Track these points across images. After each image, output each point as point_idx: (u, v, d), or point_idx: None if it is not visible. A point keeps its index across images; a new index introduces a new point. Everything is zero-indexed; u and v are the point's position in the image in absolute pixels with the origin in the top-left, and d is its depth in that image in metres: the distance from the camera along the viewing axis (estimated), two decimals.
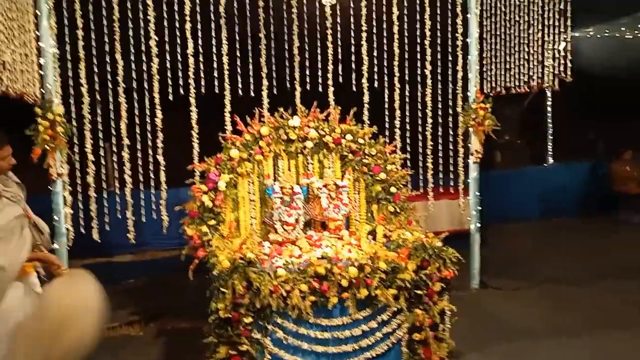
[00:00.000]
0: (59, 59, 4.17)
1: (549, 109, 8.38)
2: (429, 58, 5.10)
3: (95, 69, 4.31)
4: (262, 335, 3.02)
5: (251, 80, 4.77)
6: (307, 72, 4.93)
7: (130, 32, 4.37)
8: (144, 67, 4.41)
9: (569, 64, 4.78)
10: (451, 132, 5.39)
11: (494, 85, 5.33)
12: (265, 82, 4.73)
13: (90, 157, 4.33)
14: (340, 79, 5.00)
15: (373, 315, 3.19)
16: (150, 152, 4.43)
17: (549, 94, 8.23)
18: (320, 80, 4.94)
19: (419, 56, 5.12)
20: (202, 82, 4.55)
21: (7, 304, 2.62)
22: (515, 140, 9.62)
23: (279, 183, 3.84)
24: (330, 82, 4.91)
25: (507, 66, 5.26)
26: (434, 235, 3.49)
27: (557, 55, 4.83)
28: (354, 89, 5.00)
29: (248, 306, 2.95)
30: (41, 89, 4.04)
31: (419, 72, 5.18)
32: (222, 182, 3.77)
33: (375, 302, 3.17)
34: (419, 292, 3.20)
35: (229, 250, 3.19)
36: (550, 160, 8.75)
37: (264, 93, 4.74)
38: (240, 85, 4.77)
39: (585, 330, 4.20)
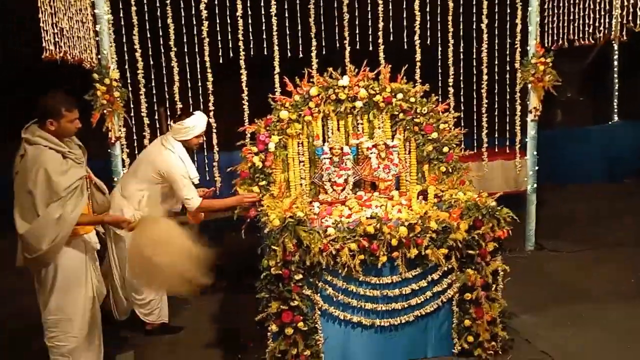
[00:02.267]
0: (113, 24, 4.27)
1: (615, 62, 7.81)
2: (484, 11, 4.85)
3: (147, 34, 4.39)
4: (312, 291, 3.08)
5: (300, 41, 4.73)
6: (357, 31, 4.82)
7: None
8: (194, 31, 4.45)
9: (638, 12, 4.41)
10: (508, 90, 5.17)
11: (555, 38, 5.02)
12: (314, 42, 4.68)
13: (146, 120, 4.47)
14: (391, 37, 4.87)
15: (423, 274, 3.18)
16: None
17: (615, 46, 7.65)
18: (370, 38, 4.82)
19: (474, 9, 4.88)
20: (251, 44, 4.56)
21: (68, 259, 2.82)
22: (578, 97, 9.10)
23: (329, 144, 3.83)
24: (380, 40, 4.79)
25: (571, 17, 4.92)
26: (487, 195, 3.40)
27: (626, 3, 4.46)
28: (405, 46, 4.86)
29: (298, 263, 3.01)
30: (97, 55, 4.17)
31: (474, 26, 4.95)
32: (272, 143, 3.80)
33: (425, 261, 3.15)
34: (471, 252, 3.16)
35: (280, 209, 3.25)
36: (616, 118, 8.22)
37: (313, 53, 4.69)
38: (289, 46, 4.74)
39: None
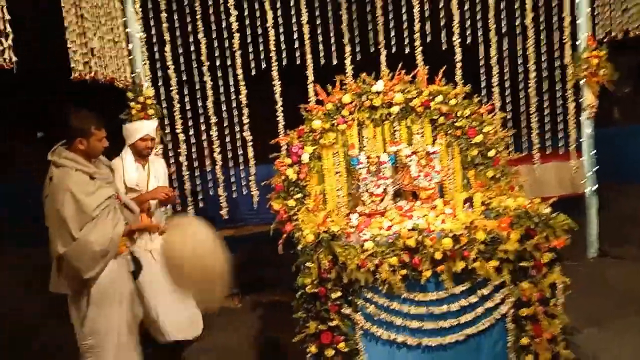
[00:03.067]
0: (146, 42, 4.27)
1: None
2: (529, 3, 4.56)
3: (180, 50, 4.38)
4: (352, 310, 2.88)
5: (333, 47, 4.59)
6: (392, 34, 4.64)
7: (210, 10, 4.36)
8: (226, 45, 4.40)
9: None
10: (559, 87, 4.84)
11: (608, 29, 4.66)
12: (348, 48, 4.53)
13: (181, 136, 4.44)
14: (428, 38, 4.66)
15: (472, 289, 2.92)
16: (237, 128, 4.45)
17: None
18: (406, 41, 4.62)
19: (517, 3, 4.60)
20: (283, 54, 4.46)
21: (101, 281, 2.75)
22: (636, 93, 8.54)
23: (365, 152, 3.64)
24: (417, 42, 4.58)
25: (624, 6, 4.56)
26: (540, 201, 3.11)
27: None
28: (444, 47, 4.63)
29: (335, 281, 2.83)
30: (131, 74, 4.17)
31: (517, 22, 4.67)
32: (306, 155, 3.65)
33: (474, 275, 2.89)
34: (524, 264, 2.88)
35: (313, 224, 3.08)
36: None
37: (347, 60, 4.54)
38: (322, 54, 4.61)
39: None
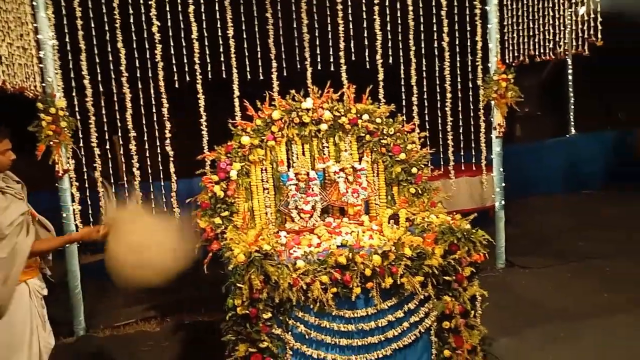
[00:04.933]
0: (59, 50, 4.00)
1: (570, 77, 8.01)
2: (445, 29, 4.83)
3: (96, 59, 4.14)
4: (283, 330, 2.86)
5: (259, 62, 4.57)
6: (318, 52, 4.71)
7: (131, 19, 4.18)
8: (147, 55, 4.23)
9: (599, 27, 4.46)
10: (472, 107, 5.15)
11: (516, 54, 5.04)
12: (274, 63, 4.53)
13: (97, 150, 4.19)
14: (353, 57, 4.78)
15: (399, 304, 3.00)
16: (158, 142, 4.28)
17: (569, 61, 7.85)
18: (332, 59, 4.71)
19: (434, 28, 4.85)
20: (209, 68, 4.37)
21: (14, 312, 2.52)
22: (536, 112, 9.27)
23: (294, 169, 3.65)
24: (342, 60, 4.68)
25: (531, 32, 4.95)
26: (458, 215, 3.28)
27: (586, 17, 4.51)
28: (368, 66, 4.77)
29: (266, 301, 2.79)
30: (42, 83, 3.88)
31: (435, 44, 4.92)
32: (234, 171, 3.59)
33: (401, 290, 2.97)
34: (447, 278, 3.01)
35: (244, 243, 3.02)
36: (573, 130, 8.41)
37: (274, 75, 4.54)
38: (248, 69, 4.57)
39: (627, 310, 3.98)
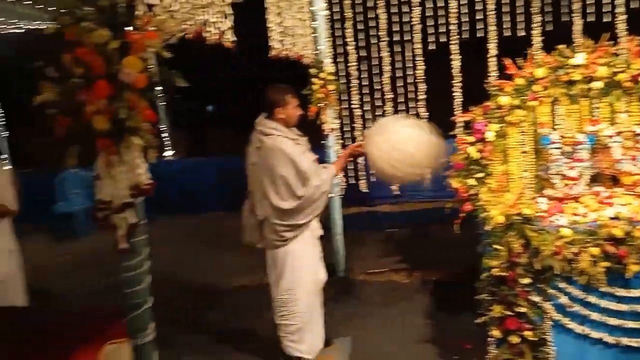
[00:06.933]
0: (328, 20, 4.40)
1: None
2: None
3: (360, 27, 4.44)
4: (542, 298, 2.74)
5: (517, 18, 4.30)
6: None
7: None
8: (404, 19, 4.36)
9: None
10: None
11: None
12: (536, 18, 4.20)
13: (357, 112, 4.55)
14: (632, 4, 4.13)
15: None
16: (414, 104, 4.42)
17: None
18: (607, 8, 4.14)
19: None
20: (465, 27, 4.30)
21: (299, 244, 2.98)
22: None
23: (558, 131, 3.38)
24: (619, 9, 4.08)
25: None
26: None
27: None
28: None
29: (525, 266, 2.70)
30: (314, 50, 4.35)
31: None
32: (490, 132, 3.49)
33: None
34: None
35: (502, 205, 2.95)
36: None
37: (536, 31, 4.22)
38: (504, 26, 4.35)
39: None
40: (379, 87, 4.52)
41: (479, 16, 4.28)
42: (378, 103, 4.65)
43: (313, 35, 4.32)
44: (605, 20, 4.16)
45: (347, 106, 4.54)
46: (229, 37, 2.60)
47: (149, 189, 1.76)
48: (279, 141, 2.90)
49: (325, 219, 4.49)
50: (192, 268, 5.17)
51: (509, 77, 3.59)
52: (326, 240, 4.61)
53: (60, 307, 4.05)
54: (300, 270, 3.01)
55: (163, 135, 7.98)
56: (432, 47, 4.37)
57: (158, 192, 1.86)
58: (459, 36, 4.26)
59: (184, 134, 9.88)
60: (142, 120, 1.70)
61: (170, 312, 3.81)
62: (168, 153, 8.18)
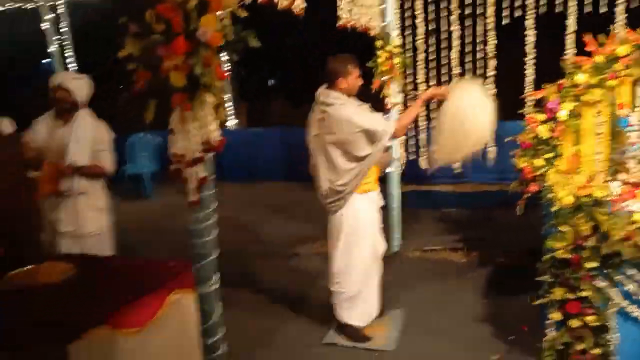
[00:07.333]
0: None
1: None
2: None
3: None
4: (608, 284, 2.63)
5: None
6: None
7: None
8: None
9: None
10: None
11: None
12: None
13: (422, 87, 4.47)
14: None
15: None
16: (482, 81, 4.29)
17: None
18: None
19: None
20: (542, 1, 4.09)
21: (356, 211, 3.01)
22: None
23: (638, 114, 3.19)
24: None
25: None
26: None
27: None
28: None
29: (592, 250, 2.60)
30: (382, 23, 4.29)
31: None
32: (564, 111, 3.34)
33: None
34: None
35: (571, 186, 2.84)
36: None
37: (619, 8, 3.97)
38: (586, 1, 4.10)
39: None
40: (446, 62, 4.40)
41: None
42: (444, 79, 4.54)
43: (381, 6, 4.26)
44: None
45: (412, 80, 4.46)
46: (300, 4, 2.61)
47: (219, 145, 1.83)
48: (343, 109, 2.91)
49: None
50: (253, 234, 5.32)
51: (588, 55, 3.41)
52: (385, 216, 4.64)
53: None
54: (357, 237, 3.04)
55: (227, 105, 8.17)
56: (505, 21, 4.20)
57: (220, 160, 1.93)
58: (535, 10, 4.05)
59: (246, 105, 10.10)
60: (216, 78, 1.76)
61: (231, 271, 3.95)
62: (231, 122, 8.38)
